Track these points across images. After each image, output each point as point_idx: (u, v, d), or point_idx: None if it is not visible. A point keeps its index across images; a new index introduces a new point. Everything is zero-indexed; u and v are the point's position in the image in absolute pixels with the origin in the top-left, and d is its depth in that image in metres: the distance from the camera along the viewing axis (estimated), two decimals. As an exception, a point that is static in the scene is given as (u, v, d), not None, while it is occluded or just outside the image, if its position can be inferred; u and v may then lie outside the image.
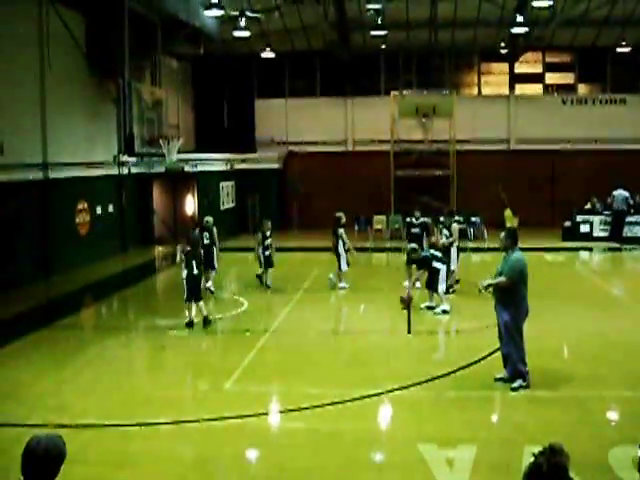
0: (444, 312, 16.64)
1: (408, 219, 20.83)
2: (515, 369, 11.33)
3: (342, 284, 20.05)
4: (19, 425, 9.65)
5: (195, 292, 15.83)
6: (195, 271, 15.80)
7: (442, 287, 16.91)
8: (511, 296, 11.26)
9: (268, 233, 19.91)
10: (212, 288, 19.41)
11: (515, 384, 11.23)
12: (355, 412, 10.51)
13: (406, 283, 19.33)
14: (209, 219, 19.82)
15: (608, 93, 35.19)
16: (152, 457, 8.96)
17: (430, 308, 16.92)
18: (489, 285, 11.56)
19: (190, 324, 15.67)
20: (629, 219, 28.76)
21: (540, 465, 4.03)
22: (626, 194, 28.91)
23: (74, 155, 23.81)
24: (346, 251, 20.02)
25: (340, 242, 19.95)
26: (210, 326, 15.70)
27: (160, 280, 24.65)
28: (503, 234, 11.88)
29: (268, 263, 19.98)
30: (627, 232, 28.62)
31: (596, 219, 29.44)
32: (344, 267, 20.06)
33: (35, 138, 21.81)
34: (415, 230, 20.17)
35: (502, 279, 11.28)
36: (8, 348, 14.18)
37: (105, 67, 25.31)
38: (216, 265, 19.57)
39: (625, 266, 26.45)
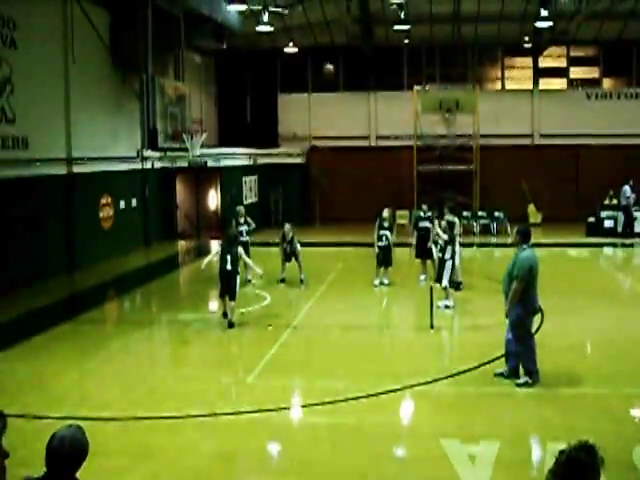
0: (446, 307, 16.49)
1: (418, 213, 20.79)
2: (524, 367, 11.27)
3: (385, 279, 19.88)
4: (42, 417, 9.73)
5: (227, 288, 15.46)
6: (229, 266, 15.37)
7: (445, 281, 16.75)
8: (523, 292, 11.13)
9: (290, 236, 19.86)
10: (249, 277, 19.90)
11: (521, 380, 11.18)
12: (377, 407, 10.51)
13: (422, 277, 19.42)
14: (240, 208, 20.56)
15: (633, 87, 34.88)
16: (175, 450, 9.00)
17: (447, 307, 16.68)
18: (509, 306, 11.34)
19: (225, 315, 15.51)
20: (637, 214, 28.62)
21: (580, 459, 3.98)
22: (628, 189, 28.87)
23: (98, 150, 23.92)
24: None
25: (382, 237, 19.65)
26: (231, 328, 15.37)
27: (183, 274, 24.74)
28: (515, 230, 11.81)
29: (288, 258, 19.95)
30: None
31: (621, 215, 29.22)
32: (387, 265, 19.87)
33: (59, 133, 21.94)
34: (424, 224, 20.07)
35: (515, 287, 11.04)
36: (32, 341, 14.27)
37: (129, 62, 25.42)
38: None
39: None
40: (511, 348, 11.43)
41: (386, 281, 19.70)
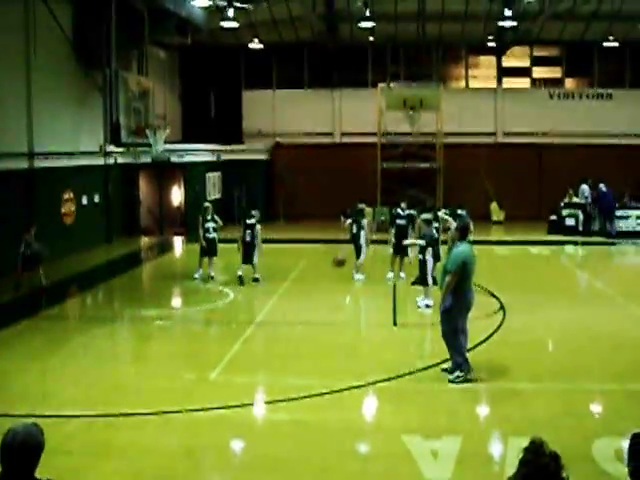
0: (427, 307, 16.53)
1: (394, 211, 20.81)
2: (453, 361, 11.41)
3: (359, 276, 20.04)
4: (2, 415, 9.60)
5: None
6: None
7: (430, 281, 16.74)
8: (455, 286, 11.26)
9: (250, 221, 19.46)
10: (212, 273, 20.09)
11: (452, 376, 11.30)
12: (340, 403, 10.54)
13: (390, 274, 19.42)
14: (208, 205, 20.69)
15: (595, 88, 35.31)
16: (137, 448, 8.95)
17: (427, 306, 16.66)
18: (442, 300, 11.50)
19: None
20: (617, 213, 28.90)
21: (547, 465, 4.00)
22: (586, 188, 29.24)
23: (60, 144, 23.68)
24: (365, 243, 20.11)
25: (362, 233, 19.95)
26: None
27: (146, 271, 24.59)
28: (454, 226, 11.96)
29: (247, 257, 19.45)
30: (608, 226, 28.74)
31: (581, 213, 29.56)
32: (362, 258, 20.05)
33: (20, 127, 21.68)
34: (401, 222, 20.17)
35: (447, 280, 11.25)
36: (-7, 338, 14.12)
37: (92, 56, 25.16)
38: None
39: (610, 260, 26.55)
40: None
41: (361, 277, 20.07)
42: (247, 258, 19.41)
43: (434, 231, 17.36)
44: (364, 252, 20.08)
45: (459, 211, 30.93)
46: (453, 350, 11.39)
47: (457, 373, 11.27)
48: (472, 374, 11.26)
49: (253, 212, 19.86)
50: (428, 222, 17.22)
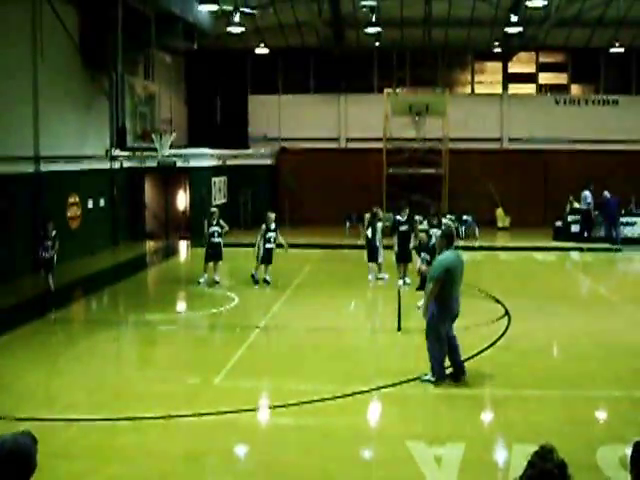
0: None
1: (397, 217, 20.83)
2: (431, 365, 11.42)
3: (384, 275, 20.66)
4: (3, 418, 9.61)
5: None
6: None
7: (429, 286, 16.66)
8: (438, 294, 11.27)
9: (272, 226, 19.95)
10: (217, 278, 20.12)
11: (426, 377, 11.39)
12: (344, 409, 10.53)
13: (400, 282, 19.36)
14: (215, 210, 20.79)
15: (601, 94, 35.27)
16: (140, 452, 8.94)
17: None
18: (424, 306, 11.60)
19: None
20: (622, 220, 28.83)
21: (551, 471, 3.97)
22: (588, 194, 29.19)
23: (66, 148, 23.74)
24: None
25: (378, 236, 20.53)
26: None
27: (151, 275, 24.60)
28: (439, 234, 11.97)
29: (267, 258, 19.95)
30: (613, 233, 28.64)
31: (582, 219, 29.44)
32: (381, 259, 20.67)
33: (27, 131, 21.72)
34: (403, 228, 20.15)
35: (430, 287, 11.33)
36: (-3, 341, 14.14)
37: (98, 61, 25.23)
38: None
39: (615, 266, 26.50)
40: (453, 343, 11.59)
41: (386, 276, 20.59)
42: (268, 259, 20.04)
43: (433, 239, 17.43)
44: (381, 253, 20.66)
45: (464, 217, 31.09)
46: (430, 355, 11.43)
47: (430, 376, 11.37)
48: (444, 384, 11.28)
49: (273, 216, 20.25)
50: (427, 233, 17.75)
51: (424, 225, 19.65)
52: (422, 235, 17.72)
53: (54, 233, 18.22)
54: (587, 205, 29.39)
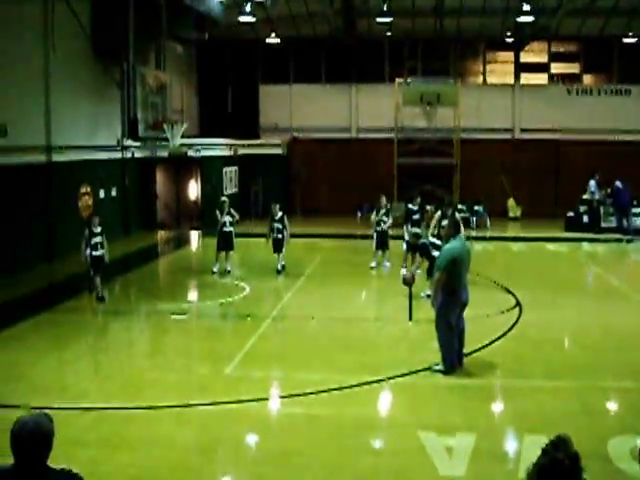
0: (428, 297, 16.39)
1: (409, 205, 20.83)
2: (442, 355, 11.44)
3: (388, 263, 21.16)
4: (18, 407, 9.66)
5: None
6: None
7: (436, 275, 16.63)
8: (445, 283, 11.29)
9: (277, 217, 20.18)
10: (229, 268, 20.27)
11: (436, 367, 11.42)
12: (355, 398, 10.55)
13: (403, 270, 19.32)
14: (225, 199, 20.84)
15: (613, 84, 35.03)
16: (152, 441, 8.99)
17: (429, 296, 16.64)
18: (432, 296, 11.68)
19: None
20: (634, 210, 28.66)
21: (562, 461, 3.96)
22: (593, 184, 29.03)
23: (78, 138, 23.79)
24: None
25: (383, 223, 20.84)
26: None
27: (162, 264, 24.66)
28: (446, 223, 11.95)
29: (274, 248, 20.23)
30: (625, 223, 28.48)
31: (600, 210, 29.32)
32: (374, 247, 21.08)
33: (39, 121, 21.78)
34: (416, 217, 20.15)
35: (436, 276, 11.40)
36: (11, 330, 14.20)
37: (110, 51, 25.22)
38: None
39: (627, 257, 26.41)
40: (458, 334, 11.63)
41: (387, 264, 20.93)
42: (279, 247, 20.29)
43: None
44: (381, 242, 20.96)
45: (476, 207, 31.04)
46: (441, 345, 11.45)
47: (441, 366, 11.39)
48: (454, 374, 11.31)
49: (277, 206, 20.41)
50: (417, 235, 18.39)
51: (437, 215, 19.31)
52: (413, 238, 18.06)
53: (100, 229, 17.13)
54: (591, 195, 29.20)
